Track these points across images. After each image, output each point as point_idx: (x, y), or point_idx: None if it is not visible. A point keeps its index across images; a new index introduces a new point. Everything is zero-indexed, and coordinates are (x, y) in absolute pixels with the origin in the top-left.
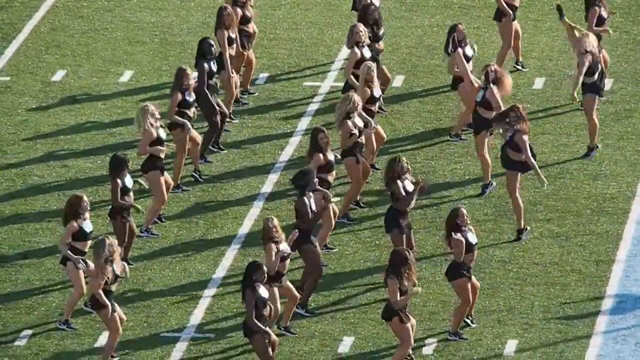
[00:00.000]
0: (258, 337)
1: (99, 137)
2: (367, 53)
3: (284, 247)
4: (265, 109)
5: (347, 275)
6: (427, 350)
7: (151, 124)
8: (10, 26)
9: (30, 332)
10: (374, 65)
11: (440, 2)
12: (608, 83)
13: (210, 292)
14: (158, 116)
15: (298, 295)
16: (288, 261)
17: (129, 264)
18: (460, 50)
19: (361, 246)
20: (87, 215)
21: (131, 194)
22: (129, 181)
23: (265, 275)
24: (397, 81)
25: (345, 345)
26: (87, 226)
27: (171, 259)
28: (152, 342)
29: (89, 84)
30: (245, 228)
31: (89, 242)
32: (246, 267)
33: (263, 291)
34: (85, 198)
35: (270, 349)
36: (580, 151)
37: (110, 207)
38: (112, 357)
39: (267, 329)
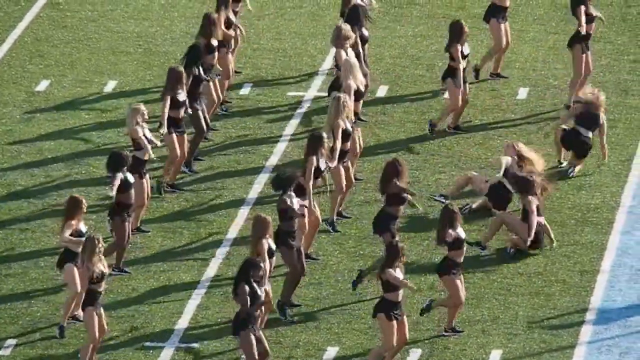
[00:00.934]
0: (246, 335)
1: (82, 147)
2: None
3: (271, 242)
4: (249, 119)
5: (332, 286)
6: (411, 359)
7: (137, 123)
8: None
9: (14, 341)
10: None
11: (423, 13)
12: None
13: (194, 302)
14: (146, 117)
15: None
16: (274, 260)
17: (113, 270)
18: (459, 46)
19: (345, 256)
20: (82, 217)
21: (132, 191)
22: (130, 177)
23: (261, 275)
24: (381, 91)
25: (330, 355)
26: (83, 227)
27: (155, 268)
28: (136, 352)
29: (73, 94)
30: (229, 237)
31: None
32: (243, 262)
33: (258, 290)
34: (84, 201)
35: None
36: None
37: (110, 207)
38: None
39: (258, 332)
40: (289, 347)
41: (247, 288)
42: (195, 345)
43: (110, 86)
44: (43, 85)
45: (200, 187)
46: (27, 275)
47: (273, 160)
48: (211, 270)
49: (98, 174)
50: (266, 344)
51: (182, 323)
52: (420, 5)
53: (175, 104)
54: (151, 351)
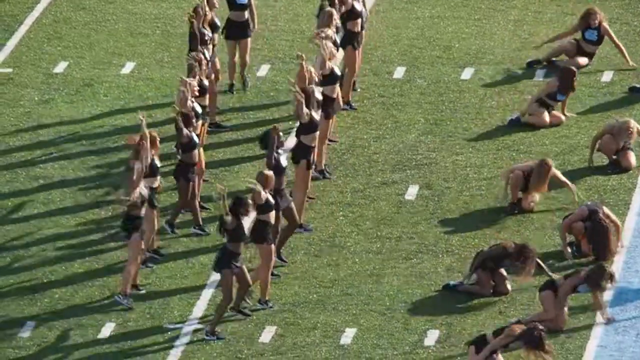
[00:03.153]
0: (227, 274)
1: (100, 128)
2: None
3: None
4: (267, 101)
5: (349, 267)
6: (428, 341)
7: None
8: (12, 18)
9: (33, 323)
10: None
11: None
12: (608, 75)
13: (212, 284)
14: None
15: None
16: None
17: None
18: None
19: (363, 238)
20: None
21: (196, 151)
22: (195, 137)
23: (248, 211)
24: (399, 73)
25: (348, 336)
26: (157, 162)
27: (173, 251)
28: (154, 333)
29: (90, 76)
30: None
31: (159, 177)
32: (233, 199)
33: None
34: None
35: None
36: (582, 142)
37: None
38: (137, 287)
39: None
40: (307, 329)
41: (235, 222)
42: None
43: (128, 68)
44: (61, 66)
45: (217, 167)
46: (47, 256)
47: (290, 141)
48: None
49: (116, 156)
50: (248, 277)
51: (201, 305)
52: None
53: None
54: (169, 332)
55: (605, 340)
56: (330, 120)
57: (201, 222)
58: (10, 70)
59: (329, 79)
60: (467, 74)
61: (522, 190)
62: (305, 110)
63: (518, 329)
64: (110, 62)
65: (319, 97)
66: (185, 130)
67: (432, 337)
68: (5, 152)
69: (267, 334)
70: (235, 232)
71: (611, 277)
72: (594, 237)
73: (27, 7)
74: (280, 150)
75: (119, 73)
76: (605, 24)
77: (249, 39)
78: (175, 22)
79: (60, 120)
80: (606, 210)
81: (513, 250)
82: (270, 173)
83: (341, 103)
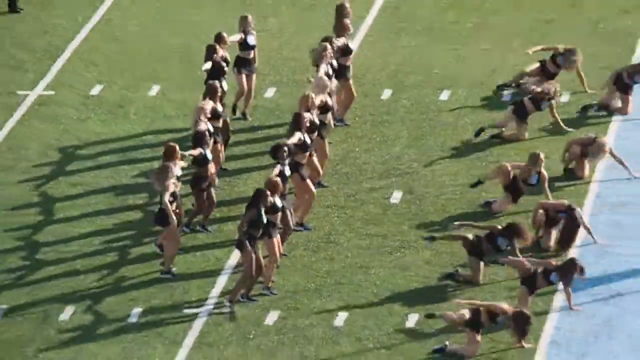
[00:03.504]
0: (248, 252)
1: (130, 143)
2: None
3: (277, 200)
4: (273, 120)
5: (342, 261)
6: (409, 323)
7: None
8: (55, 47)
9: (72, 308)
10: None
11: (423, 26)
12: (566, 96)
13: (226, 272)
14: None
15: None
16: (278, 215)
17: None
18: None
19: (354, 235)
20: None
21: (209, 166)
22: (209, 154)
23: (269, 206)
24: (386, 94)
25: (340, 319)
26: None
27: (191, 245)
28: (175, 316)
29: (122, 97)
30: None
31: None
32: (254, 192)
33: (264, 216)
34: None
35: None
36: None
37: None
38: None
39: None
40: (305, 313)
41: (255, 212)
42: (226, 310)
43: (154, 90)
44: (96, 89)
45: (231, 175)
46: (84, 251)
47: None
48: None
49: (143, 166)
50: (262, 260)
51: (215, 292)
52: (421, 19)
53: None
54: (188, 315)
55: (560, 322)
56: (326, 140)
57: (205, 224)
58: (52, 92)
59: (323, 108)
60: (445, 95)
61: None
62: (298, 134)
63: (507, 306)
64: (138, 86)
65: (316, 121)
66: (199, 148)
67: (412, 320)
68: (49, 163)
69: (272, 317)
70: (254, 221)
71: (581, 270)
72: (567, 229)
73: (67, 38)
74: (285, 162)
75: (146, 95)
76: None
77: (255, 74)
78: (193, 52)
79: (95, 136)
80: (580, 211)
81: (503, 229)
82: (277, 179)
83: (332, 125)
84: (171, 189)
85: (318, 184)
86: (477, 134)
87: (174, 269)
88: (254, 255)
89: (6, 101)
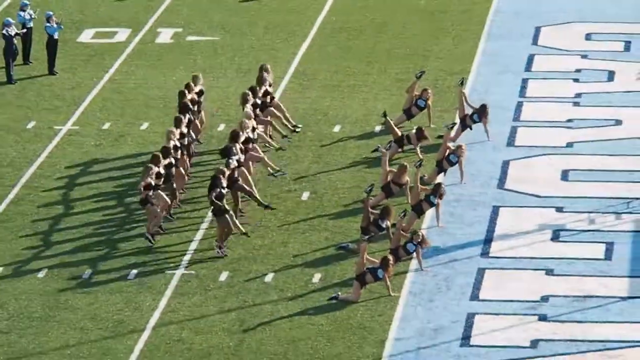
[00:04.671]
0: (223, 218)
1: (129, 162)
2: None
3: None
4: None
5: (269, 238)
6: (314, 279)
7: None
8: (79, 97)
9: (90, 270)
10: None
11: (322, 83)
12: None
13: (191, 250)
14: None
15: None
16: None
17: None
18: None
19: (277, 222)
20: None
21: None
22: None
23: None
24: (337, 128)
25: (269, 277)
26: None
27: (170, 228)
28: (159, 274)
29: (124, 131)
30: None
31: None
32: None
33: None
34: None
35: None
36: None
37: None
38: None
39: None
40: (246, 273)
41: (218, 190)
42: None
43: (145, 125)
44: (106, 125)
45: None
46: (99, 232)
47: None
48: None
49: (138, 176)
50: (232, 226)
51: (186, 259)
52: (319, 79)
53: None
54: (167, 276)
55: (415, 279)
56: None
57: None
58: (78, 127)
59: (252, 130)
60: (337, 129)
61: None
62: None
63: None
64: (134, 123)
65: (252, 136)
66: (167, 159)
67: (316, 277)
68: (75, 175)
69: (224, 276)
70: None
71: (425, 242)
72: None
73: (87, 91)
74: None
75: (139, 129)
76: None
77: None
78: (171, 100)
79: (106, 156)
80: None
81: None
82: (226, 170)
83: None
84: (147, 179)
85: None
86: (373, 151)
87: (153, 240)
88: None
89: (47, 133)
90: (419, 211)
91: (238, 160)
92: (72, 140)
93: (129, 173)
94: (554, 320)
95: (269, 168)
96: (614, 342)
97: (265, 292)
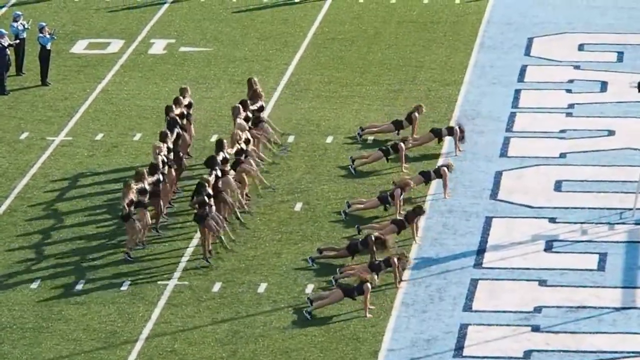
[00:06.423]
0: (207, 222)
1: (122, 173)
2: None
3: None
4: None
5: (262, 249)
6: (307, 290)
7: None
8: (72, 108)
9: (83, 281)
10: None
11: (315, 94)
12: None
13: (184, 262)
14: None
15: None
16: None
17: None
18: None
19: (271, 232)
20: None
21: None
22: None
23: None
24: (290, 139)
25: (262, 288)
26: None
27: (161, 240)
28: (151, 285)
29: (117, 141)
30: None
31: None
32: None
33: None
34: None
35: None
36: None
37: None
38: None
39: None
40: (238, 283)
41: (201, 198)
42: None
43: (137, 137)
44: (99, 136)
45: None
46: (90, 245)
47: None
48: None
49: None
50: (217, 226)
51: (180, 268)
52: (312, 90)
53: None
54: (160, 287)
55: (407, 290)
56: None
57: (157, 227)
58: (71, 138)
59: (246, 141)
60: (329, 139)
61: None
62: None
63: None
64: (127, 134)
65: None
66: (156, 175)
67: (309, 288)
68: (68, 185)
69: (216, 287)
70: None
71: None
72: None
73: (80, 102)
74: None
75: (132, 140)
76: (417, 117)
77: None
78: (161, 112)
79: (99, 167)
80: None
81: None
82: (210, 179)
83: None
84: (130, 196)
85: (246, 195)
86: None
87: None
88: (211, 222)
89: (40, 144)
90: (400, 224)
91: (222, 170)
92: (65, 151)
93: (122, 184)
94: (547, 331)
95: (258, 182)
96: (607, 353)
97: (258, 303)
